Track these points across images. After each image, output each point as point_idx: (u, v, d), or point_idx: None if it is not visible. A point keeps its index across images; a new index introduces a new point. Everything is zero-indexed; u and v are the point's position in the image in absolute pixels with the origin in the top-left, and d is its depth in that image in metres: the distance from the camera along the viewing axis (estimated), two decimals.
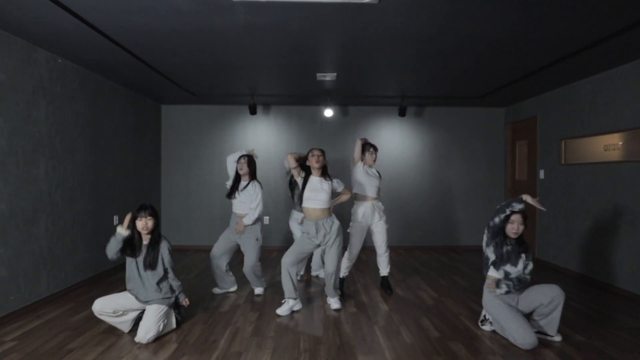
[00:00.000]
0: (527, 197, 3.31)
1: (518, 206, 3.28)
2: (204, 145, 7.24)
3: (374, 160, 4.52)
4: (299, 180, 4.06)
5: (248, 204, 4.33)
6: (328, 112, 6.55)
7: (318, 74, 5.05)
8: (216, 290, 4.59)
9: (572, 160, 5.50)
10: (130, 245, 3.36)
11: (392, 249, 6.98)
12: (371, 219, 4.43)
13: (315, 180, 3.94)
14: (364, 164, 4.50)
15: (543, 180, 6.13)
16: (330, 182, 3.98)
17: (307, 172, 3.98)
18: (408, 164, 7.28)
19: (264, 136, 7.24)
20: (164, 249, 3.43)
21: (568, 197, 5.53)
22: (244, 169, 4.37)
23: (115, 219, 5.65)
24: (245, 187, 4.37)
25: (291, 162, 4.06)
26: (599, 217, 4.93)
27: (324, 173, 4.01)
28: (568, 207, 5.53)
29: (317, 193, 3.87)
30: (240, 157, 4.42)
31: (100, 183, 5.27)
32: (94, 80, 5.12)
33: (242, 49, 4.12)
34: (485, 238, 3.42)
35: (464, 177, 7.31)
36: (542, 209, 3.46)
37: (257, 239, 4.38)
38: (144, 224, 3.32)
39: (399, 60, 4.52)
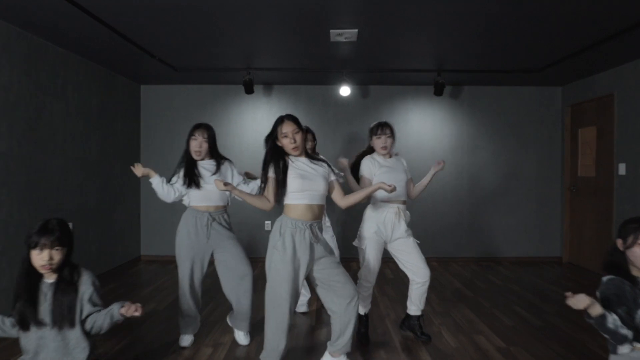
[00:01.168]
0: None
1: None
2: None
3: (386, 147, 3.05)
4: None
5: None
6: (344, 91, 5.18)
7: (332, 32, 3.69)
8: (185, 341, 3.09)
9: None
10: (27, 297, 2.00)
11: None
12: (392, 232, 3.01)
13: (303, 163, 2.48)
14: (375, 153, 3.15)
15: (625, 176, 4.71)
16: (325, 165, 2.55)
17: (276, 156, 2.45)
18: (442, 157, 5.89)
19: (264, 122, 5.90)
20: (85, 285, 2.11)
21: None
22: (203, 147, 2.98)
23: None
24: (216, 168, 2.99)
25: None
26: None
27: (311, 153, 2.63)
28: None
29: (312, 181, 2.41)
30: (194, 129, 3.00)
31: (39, 182, 3.98)
32: (30, 43, 3.82)
33: None
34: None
35: (511, 172, 5.92)
36: None
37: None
38: (45, 257, 1.99)
39: (439, 14, 3.18)
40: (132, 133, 5.75)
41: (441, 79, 4.99)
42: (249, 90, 5.09)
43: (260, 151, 5.70)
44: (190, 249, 2.93)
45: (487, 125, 5.92)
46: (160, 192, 2.99)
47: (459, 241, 5.92)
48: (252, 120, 5.91)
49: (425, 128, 5.89)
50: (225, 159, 3.11)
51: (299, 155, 2.46)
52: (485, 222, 5.92)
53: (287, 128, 2.39)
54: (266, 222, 5.89)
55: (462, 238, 5.93)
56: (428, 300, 4.11)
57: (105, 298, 2.21)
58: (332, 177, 2.56)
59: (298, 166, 2.42)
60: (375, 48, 4.23)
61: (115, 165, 5.32)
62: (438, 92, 5.10)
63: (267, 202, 2.40)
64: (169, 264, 5.76)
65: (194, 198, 2.99)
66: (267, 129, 5.76)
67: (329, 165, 2.56)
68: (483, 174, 5.92)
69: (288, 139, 2.38)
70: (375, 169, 3.02)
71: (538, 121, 5.92)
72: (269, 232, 5.88)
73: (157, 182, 2.97)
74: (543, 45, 4.11)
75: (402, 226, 3.03)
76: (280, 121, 2.43)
